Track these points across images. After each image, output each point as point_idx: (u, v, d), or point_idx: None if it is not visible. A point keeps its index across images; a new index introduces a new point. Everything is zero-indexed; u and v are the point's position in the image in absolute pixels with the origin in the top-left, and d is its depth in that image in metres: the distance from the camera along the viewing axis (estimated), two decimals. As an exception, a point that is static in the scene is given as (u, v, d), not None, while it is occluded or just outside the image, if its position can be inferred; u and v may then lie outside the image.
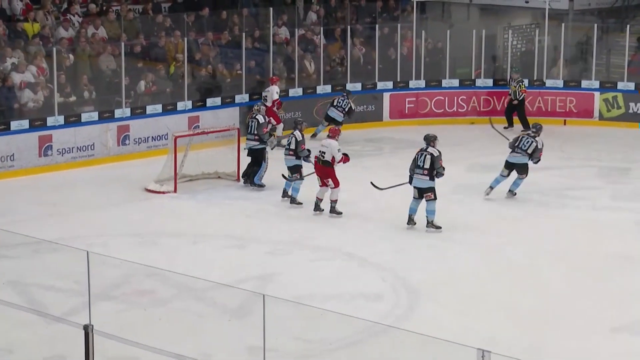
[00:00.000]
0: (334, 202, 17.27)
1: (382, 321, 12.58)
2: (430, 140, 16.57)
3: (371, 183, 18.27)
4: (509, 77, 25.04)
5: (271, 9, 24.68)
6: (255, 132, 18.93)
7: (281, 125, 21.82)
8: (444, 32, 26.22)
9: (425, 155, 16.45)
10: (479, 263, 15.85)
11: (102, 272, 12.53)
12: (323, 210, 17.58)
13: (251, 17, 25.10)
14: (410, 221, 16.67)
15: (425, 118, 25.12)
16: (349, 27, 25.59)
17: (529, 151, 18.25)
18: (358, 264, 15.89)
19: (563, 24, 26.22)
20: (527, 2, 27.51)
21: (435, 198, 16.40)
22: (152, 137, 21.88)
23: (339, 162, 17.25)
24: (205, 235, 17.16)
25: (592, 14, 27.88)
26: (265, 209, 18.61)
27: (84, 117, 21.13)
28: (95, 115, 21.28)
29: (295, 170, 17.81)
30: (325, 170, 17.21)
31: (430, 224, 16.53)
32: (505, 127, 23.95)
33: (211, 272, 14.06)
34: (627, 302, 14.15)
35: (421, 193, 16.52)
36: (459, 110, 25.55)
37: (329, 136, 17.88)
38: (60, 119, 20.80)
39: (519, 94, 24.34)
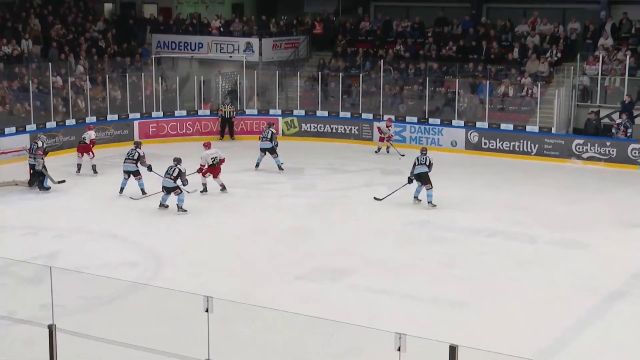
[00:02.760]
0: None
1: (137, 281, 13.69)
2: (425, 149, 19.84)
3: (374, 198, 20.01)
4: (219, 105, 28.04)
5: (50, 63, 26.62)
6: None
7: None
8: (174, 78, 29.34)
9: (426, 158, 19.32)
10: (205, 237, 17.30)
11: None
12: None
13: (37, 69, 26.80)
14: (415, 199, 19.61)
15: (163, 138, 27.67)
16: (107, 75, 27.80)
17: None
18: (120, 241, 16.98)
19: (255, 71, 29.60)
20: (230, 57, 30.36)
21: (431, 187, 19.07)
22: None
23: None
24: (5, 227, 17.81)
25: (275, 64, 30.49)
26: (51, 204, 19.80)
27: None
28: None
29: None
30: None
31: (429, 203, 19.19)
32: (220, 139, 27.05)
33: (12, 253, 14.43)
34: (305, 258, 15.67)
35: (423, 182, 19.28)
36: (187, 132, 28.17)
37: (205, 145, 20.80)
38: None
39: (231, 114, 27.69)
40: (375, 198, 19.79)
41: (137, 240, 17.06)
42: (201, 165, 20.57)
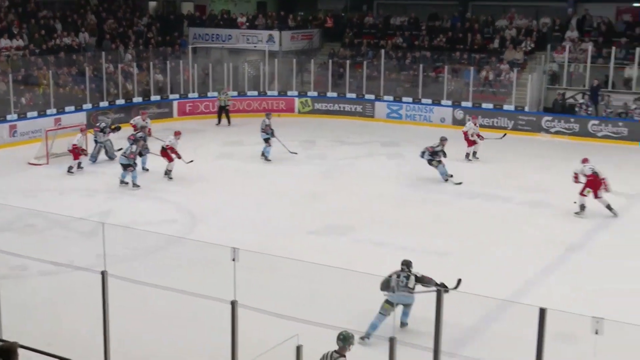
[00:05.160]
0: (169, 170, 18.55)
1: (175, 235, 13.81)
2: (443, 139, 18.50)
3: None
4: (218, 95, 26.77)
5: (103, 52, 26.71)
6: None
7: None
8: (208, 65, 28.99)
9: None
10: (233, 199, 17.14)
11: (1, 216, 14.01)
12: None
13: (92, 58, 26.67)
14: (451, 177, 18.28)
15: (198, 115, 27.39)
16: (151, 62, 27.54)
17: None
18: (161, 202, 17.06)
19: (276, 59, 29.41)
20: (255, 47, 30.30)
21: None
22: (32, 131, 23.03)
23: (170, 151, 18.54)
24: (69, 189, 17.91)
25: (292, 53, 30.20)
26: (102, 170, 19.76)
27: (-12, 119, 22.47)
28: (-6, 119, 22.51)
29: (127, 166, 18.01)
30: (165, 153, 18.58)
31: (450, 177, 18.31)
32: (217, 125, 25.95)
33: (72, 212, 14.68)
34: (319, 218, 15.58)
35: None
36: (212, 109, 27.26)
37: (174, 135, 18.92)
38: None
39: (227, 102, 26.32)
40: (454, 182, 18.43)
41: (176, 201, 17.06)
42: (169, 146, 18.78)
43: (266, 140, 20.98)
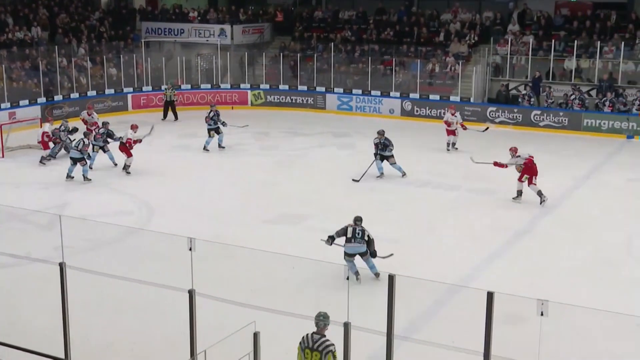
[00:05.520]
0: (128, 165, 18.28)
1: (133, 226, 13.76)
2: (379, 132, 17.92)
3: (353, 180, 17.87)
4: (163, 90, 26.30)
5: (56, 47, 26.33)
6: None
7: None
8: (161, 59, 28.95)
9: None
10: (188, 190, 16.99)
11: None
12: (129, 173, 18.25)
13: (45, 52, 26.37)
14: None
15: (152, 108, 26.92)
16: (104, 56, 27.56)
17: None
18: (118, 194, 16.98)
19: (228, 52, 29.40)
20: (207, 40, 30.01)
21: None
22: None
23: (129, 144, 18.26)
24: (23, 183, 17.77)
25: (244, 46, 30.25)
26: (58, 163, 19.23)
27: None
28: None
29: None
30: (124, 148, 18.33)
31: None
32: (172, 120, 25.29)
33: (28, 204, 14.77)
34: (272, 206, 15.67)
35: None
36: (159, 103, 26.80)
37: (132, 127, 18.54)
38: None
39: (172, 97, 25.67)
40: (353, 180, 17.93)
41: (132, 193, 16.99)
42: (128, 139, 18.40)
43: (209, 131, 21.03)
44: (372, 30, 30.26)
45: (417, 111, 26.48)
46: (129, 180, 18.06)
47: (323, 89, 28.28)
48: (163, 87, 26.94)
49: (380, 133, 18.08)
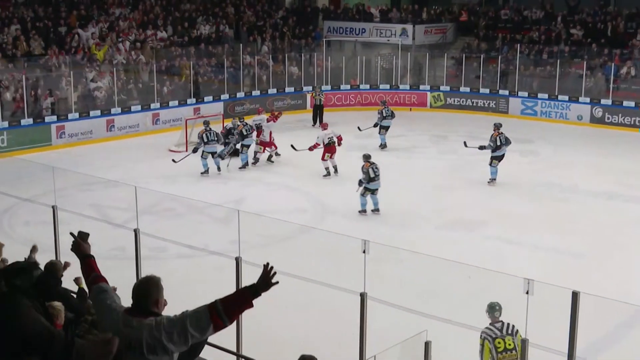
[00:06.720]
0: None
1: (307, 224, 13.92)
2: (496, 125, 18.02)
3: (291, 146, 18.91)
4: (312, 93, 26.05)
5: (241, 44, 27.16)
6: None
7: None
8: (341, 58, 29.27)
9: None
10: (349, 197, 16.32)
11: (144, 199, 13.16)
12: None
13: (230, 49, 27.32)
14: None
15: (330, 108, 26.68)
16: (286, 54, 28.16)
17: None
18: (293, 192, 17.29)
19: (409, 53, 29.27)
20: (388, 40, 29.94)
21: None
22: (172, 119, 23.87)
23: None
24: (202, 177, 18.18)
25: (426, 47, 29.88)
26: (233, 162, 19.43)
27: (133, 108, 23.57)
28: (139, 107, 23.68)
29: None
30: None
31: None
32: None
33: (206, 197, 15.14)
34: (447, 211, 15.50)
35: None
36: (350, 103, 27.98)
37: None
38: (119, 109, 23.13)
39: (321, 101, 25.22)
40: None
41: (306, 191, 17.25)
42: (316, 143, 18.51)
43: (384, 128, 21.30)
44: (562, 31, 29.05)
45: (608, 118, 25.09)
46: (304, 180, 18.28)
47: (506, 92, 27.49)
48: (305, 90, 27.19)
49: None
